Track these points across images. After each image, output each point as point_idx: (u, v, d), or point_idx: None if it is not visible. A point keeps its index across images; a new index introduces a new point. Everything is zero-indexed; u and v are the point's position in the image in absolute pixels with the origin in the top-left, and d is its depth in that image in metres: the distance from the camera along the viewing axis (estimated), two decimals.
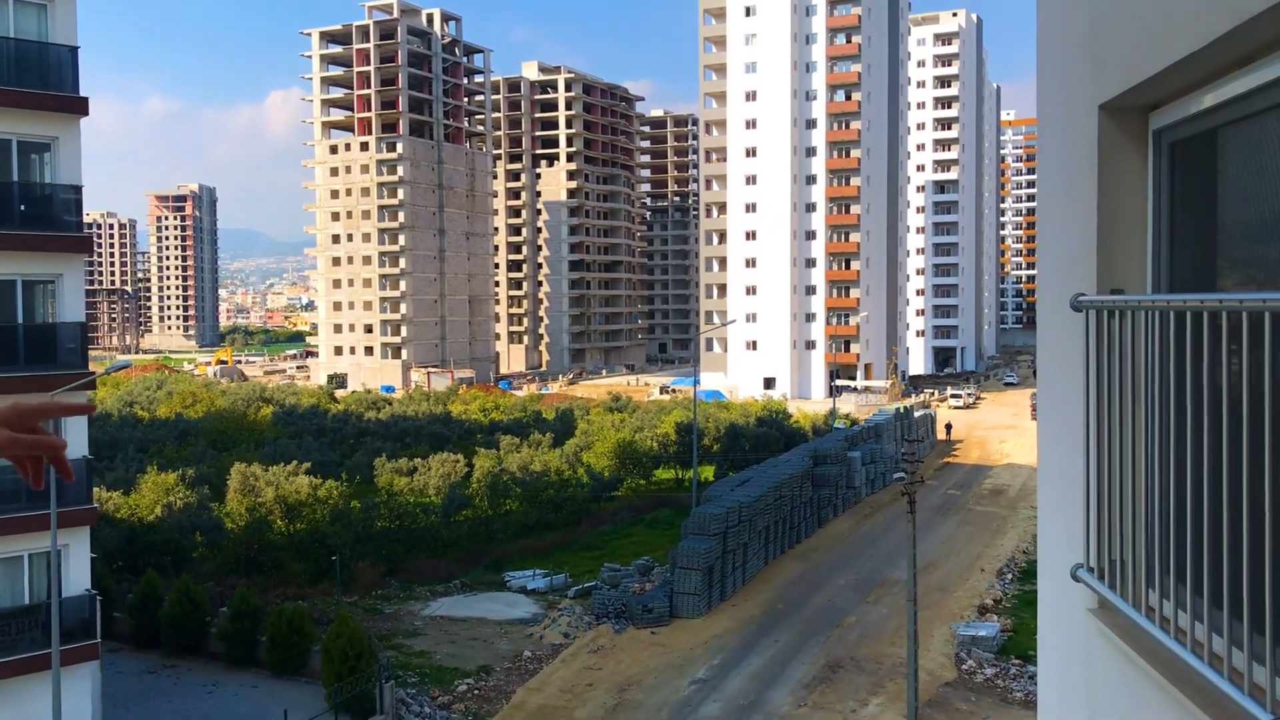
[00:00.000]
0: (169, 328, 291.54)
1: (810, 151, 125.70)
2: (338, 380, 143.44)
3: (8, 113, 23.74)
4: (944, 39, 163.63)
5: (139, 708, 32.56)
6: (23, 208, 24.27)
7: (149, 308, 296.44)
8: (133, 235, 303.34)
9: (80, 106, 24.64)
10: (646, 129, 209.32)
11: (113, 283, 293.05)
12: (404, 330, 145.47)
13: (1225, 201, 3.12)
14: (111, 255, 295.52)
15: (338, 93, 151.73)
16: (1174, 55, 3.03)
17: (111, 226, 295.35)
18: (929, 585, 43.01)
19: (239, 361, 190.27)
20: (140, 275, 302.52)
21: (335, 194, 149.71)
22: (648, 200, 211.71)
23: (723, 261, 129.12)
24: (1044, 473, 4.27)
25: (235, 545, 46.72)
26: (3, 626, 23.97)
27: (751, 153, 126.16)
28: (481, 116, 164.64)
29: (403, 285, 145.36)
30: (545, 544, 54.15)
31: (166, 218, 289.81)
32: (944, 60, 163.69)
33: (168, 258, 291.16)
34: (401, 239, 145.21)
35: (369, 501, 53.53)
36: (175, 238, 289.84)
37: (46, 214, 24.59)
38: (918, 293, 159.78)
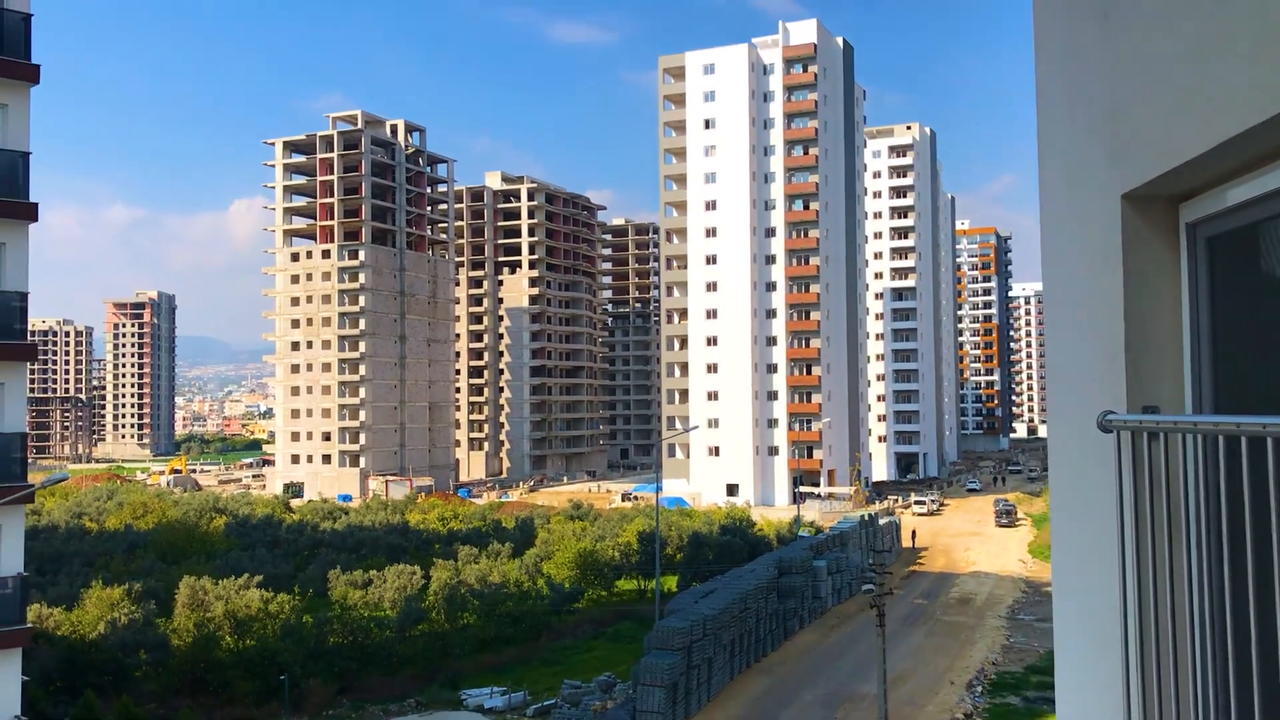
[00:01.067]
0: (123, 436, 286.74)
1: (770, 259, 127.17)
2: (294, 489, 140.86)
3: None
4: (899, 151, 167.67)
5: None
6: None
7: (103, 416, 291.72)
8: (89, 343, 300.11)
9: (29, 213, 24.11)
10: (608, 237, 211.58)
11: (66, 391, 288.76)
12: (363, 438, 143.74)
13: (1274, 305, 2.69)
14: (66, 363, 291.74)
15: (300, 201, 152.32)
16: (1212, 139, 2.62)
17: (67, 334, 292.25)
18: (899, 699, 41.94)
19: (193, 470, 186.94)
20: (95, 383, 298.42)
21: (296, 301, 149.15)
22: (609, 307, 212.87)
23: (684, 367, 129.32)
24: (1062, 613, 3.72)
25: (181, 664, 44.90)
26: None
27: (712, 260, 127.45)
28: (444, 224, 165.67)
29: (362, 392, 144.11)
30: (504, 659, 52.56)
31: (124, 325, 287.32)
32: (899, 171, 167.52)
33: (124, 365, 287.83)
34: (362, 346, 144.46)
35: (321, 616, 51.85)
36: (132, 345, 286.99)
37: None
38: (879, 398, 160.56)
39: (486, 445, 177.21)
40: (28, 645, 25.02)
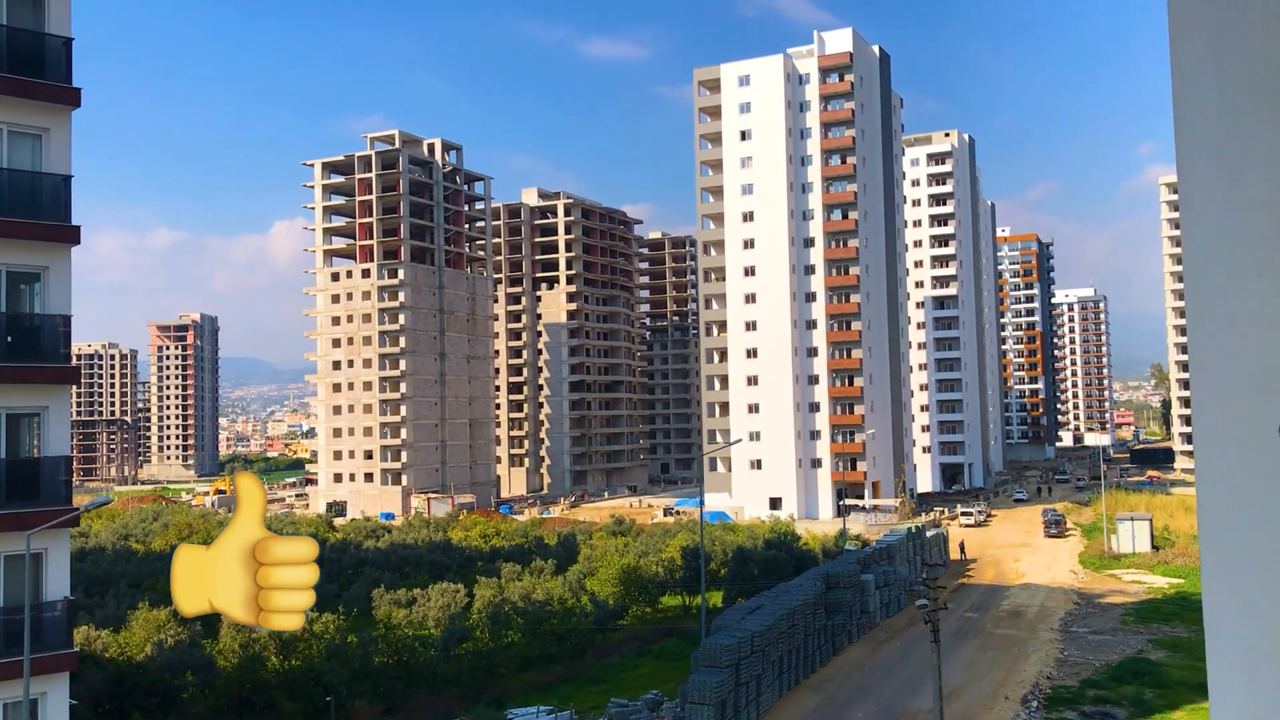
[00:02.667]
0: (168, 457, 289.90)
1: (809, 269, 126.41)
2: (337, 508, 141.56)
3: None
4: (937, 158, 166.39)
5: None
6: (9, 339, 23.56)
7: (148, 438, 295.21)
8: (133, 365, 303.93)
9: (72, 235, 24.13)
10: (645, 251, 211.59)
11: (112, 413, 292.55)
12: (404, 455, 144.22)
13: None
14: (111, 386, 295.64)
15: (340, 221, 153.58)
16: None
17: (112, 357, 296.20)
18: (952, 715, 41.08)
19: None
20: (140, 405, 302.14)
21: (336, 320, 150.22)
22: (647, 321, 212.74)
23: (724, 380, 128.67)
24: (1220, 621, 3.22)
25: (227, 685, 44.82)
26: None
27: (750, 271, 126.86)
28: (482, 242, 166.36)
29: (403, 410, 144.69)
30: (549, 677, 52.11)
31: (168, 347, 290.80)
32: (938, 179, 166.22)
33: (168, 387, 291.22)
34: (402, 364, 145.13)
35: (366, 635, 51.68)
36: (176, 367, 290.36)
37: (34, 345, 23.87)
38: (922, 409, 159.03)
39: (527, 461, 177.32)
40: (75, 668, 24.94)
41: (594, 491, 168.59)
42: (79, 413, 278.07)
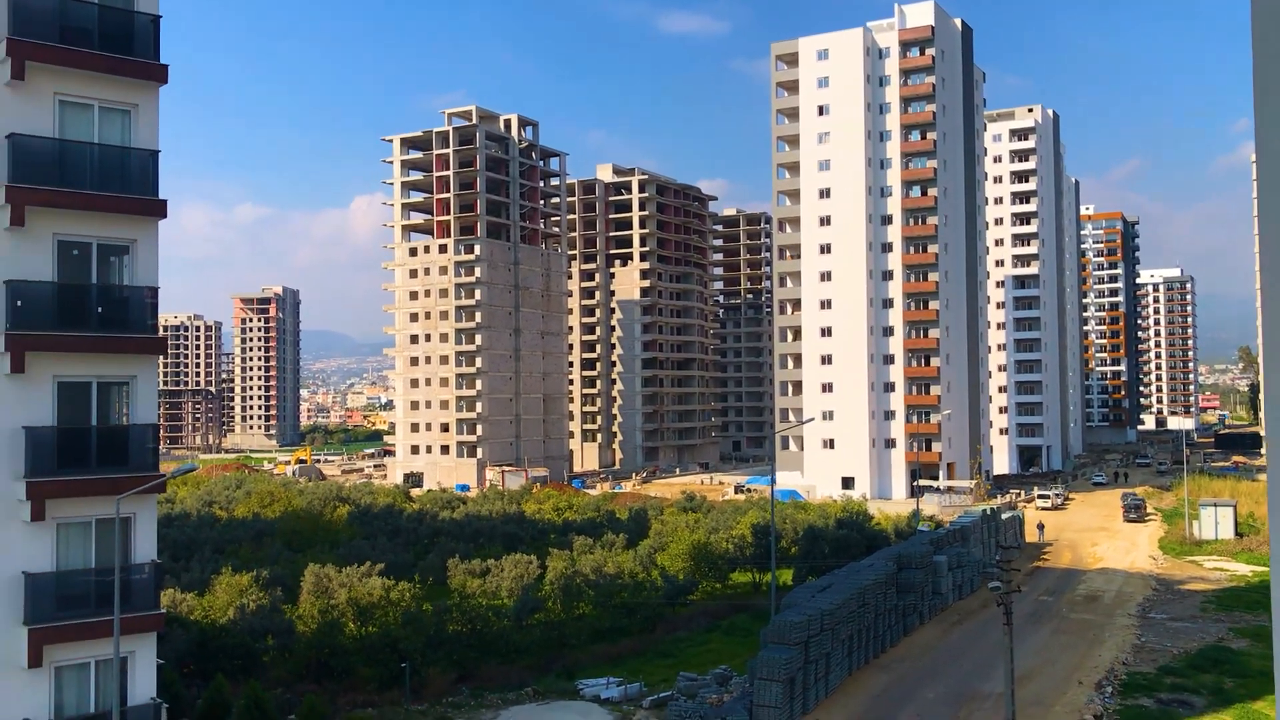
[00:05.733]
0: (251, 427, 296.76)
1: (886, 247, 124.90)
2: (414, 479, 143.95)
3: (89, 216, 23.95)
4: (1020, 134, 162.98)
5: None
6: (100, 310, 24.32)
7: (232, 407, 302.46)
8: (218, 337, 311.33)
9: (158, 209, 24.79)
10: (719, 227, 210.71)
11: (197, 383, 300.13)
12: (479, 429, 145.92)
13: None
14: (197, 357, 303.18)
15: (418, 197, 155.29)
16: None
17: (198, 329, 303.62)
18: (1025, 699, 40.64)
19: (318, 460, 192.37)
20: (224, 376, 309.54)
21: (414, 295, 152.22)
22: (721, 298, 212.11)
23: (797, 358, 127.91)
24: None
25: (306, 649, 45.97)
26: None
27: (826, 249, 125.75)
28: (557, 218, 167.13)
29: (478, 384, 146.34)
30: (619, 650, 52.54)
31: (251, 320, 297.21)
32: (1021, 155, 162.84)
33: (251, 359, 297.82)
34: (478, 338, 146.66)
35: (441, 604, 52.62)
36: (259, 339, 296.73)
37: (123, 316, 24.61)
38: (1000, 390, 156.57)
39: (599, 436, 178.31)
40: (161, 630, 25.80)
41: (665, 468, 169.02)
42: (166, 383, 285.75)
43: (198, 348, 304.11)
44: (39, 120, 23.47)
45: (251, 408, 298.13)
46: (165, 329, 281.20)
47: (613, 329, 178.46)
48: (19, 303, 22.88)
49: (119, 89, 24.58)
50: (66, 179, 23.65)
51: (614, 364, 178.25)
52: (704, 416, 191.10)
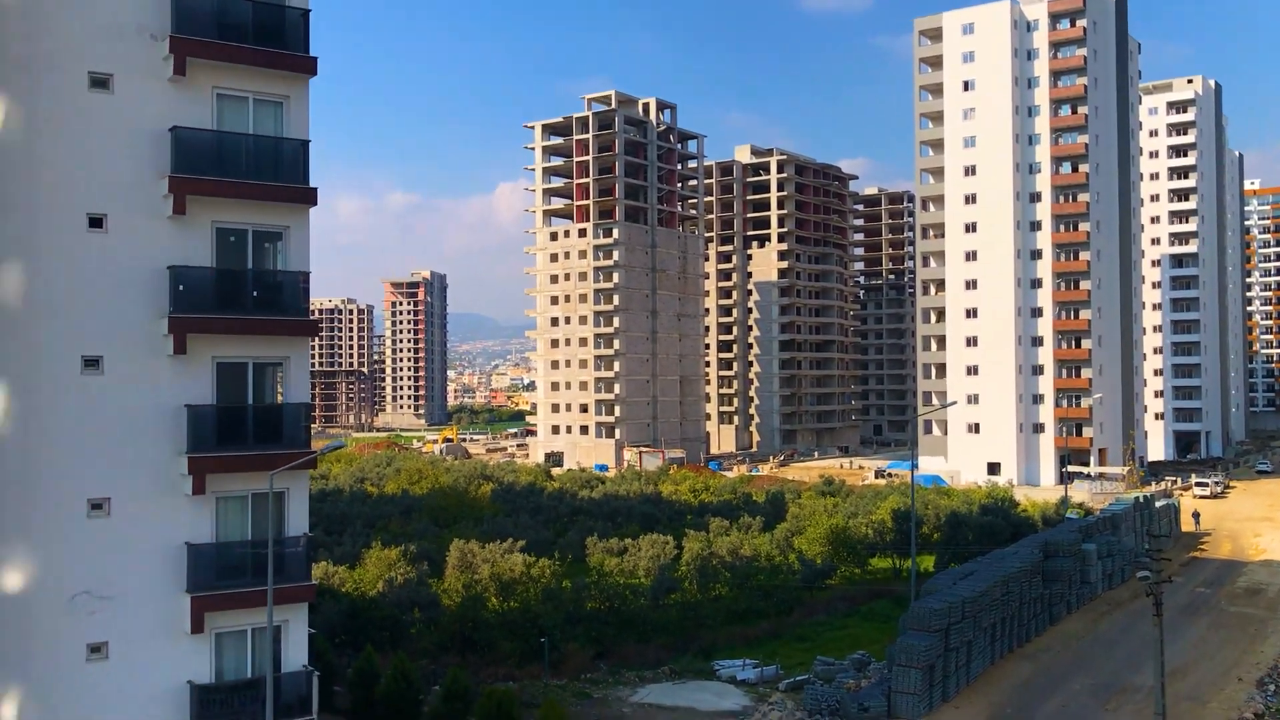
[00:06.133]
0: (401, 406, 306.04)
1: (1034, 226, 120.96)
2: (554, 458, 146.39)
3: (245, 204, 25.06)
4: (1178, 107, 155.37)
5: None
6: (255, 294, 25.45)
7: (383, 388, 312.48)
8: (370, 320, 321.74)
9: (310, 197, 25.76)
10: (860, 207, 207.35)
11: (351, 365, 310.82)
12: (617, 410, 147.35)
13: None
14: (350, 339, 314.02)
15: (558, 182, 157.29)
16: None
17: (351, 312, 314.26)
18: (1178, 694, 39.07)
19: (463, 439, 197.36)
20: (376, 357, 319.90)
21: (554, 279, 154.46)
22: (861, 279, 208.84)
23: (941, 340, 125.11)
24: None
25: (450, 622, 47.31)
26: (226, 700, 24.64)
27: (971, 228, 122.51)
28: (694, 200, 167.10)
29: (616, 366, 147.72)
30: (755, 632, 52.52)
31: (401, 303, 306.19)
32: (1179, 129, 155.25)
33: (401, 341, 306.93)
34: (616, 321, 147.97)
35: (580, 581, 53.50)
36: (408, 322, 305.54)
37: (277, 300, 25.69)
38: (1155, 373, 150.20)
39: (736, 419, 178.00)
40: (313, 600, 26.93)
41: (803, 451, 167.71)
42: (321, 364, 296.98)
43: (351, 330, 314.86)
44: (198, 114, 24.64)
45: (401, 388, 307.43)
46: (320, 312, 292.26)
47: (750, 311, 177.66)
48: (181, 287, 24.12)
49: (272, 82, 25.61)
50: (224, 169, 24.78)
51: (751, 346, 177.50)
52: (843, 399, 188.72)
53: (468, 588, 50.51)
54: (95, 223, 23.53)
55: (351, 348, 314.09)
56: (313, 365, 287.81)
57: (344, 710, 39.54)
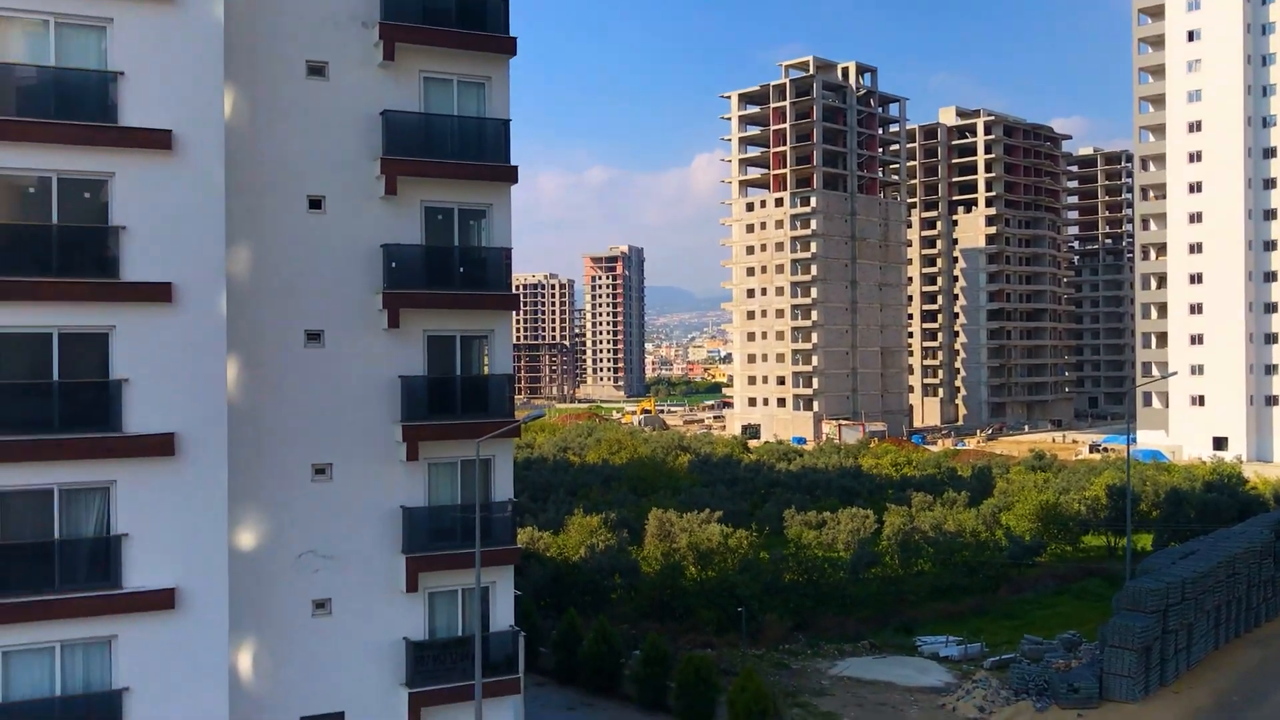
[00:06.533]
0: (601, 378, 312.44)
1: (1268, 184, 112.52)
2: (751, 430, 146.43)
3: (451, 184, 26.05)
4: None
5: None
6: (461, 269, 26.45)
7: (584, 360, 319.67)
8: (570, 294, 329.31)
9: (511, 175, 26.55)
10: (1074, 169, 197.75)
11: (553, 338, 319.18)
12: (815, 382, 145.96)
13: None
14: (552, 313, 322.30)
15: (755, 152, 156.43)
16: None
17: (552, 287, 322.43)
18: None
19: (661, 411, 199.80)
20: (576, 331, 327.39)
21: (750, 250, 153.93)
22: (1075, 244, 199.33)
23: (1162, 308, 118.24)
24: None
25: (649, 589, 48.16)
26: (439, 656, 25.91)
27: (1195, 188, 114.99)
28: (896, 166, 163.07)
29: (814, 337, 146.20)
30: (959, 609, 51.27)
31: (600, 277, 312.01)
32: None
33: (600, 314, 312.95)
34: (814, 292, 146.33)
35: (777, 553, 53.47)
36: (607, 296, 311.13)
37: (481, 275, 26.63)
38: None
39: (941, 391, 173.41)
40: (518, 563, 27.95)
41: (1012, 425, 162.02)
42: (525, 337, 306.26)
43: (553, 304, 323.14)
44: (406, 97, 25.73)
45: (601, 360, 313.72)
46: (523, 287, 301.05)
47: (955, 279, 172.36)
48: (394, 264, 25.33)
49: (474, 63, 26.46)
50: (431, 150, 25.81)
51: (956, 315, 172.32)
52: (1056, 371, 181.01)
53: (666, 556, 51.26)
54: (314, 204, 24.94)
55: (553, 321, 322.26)
56: (517, 339, 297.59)
57: (548, 670, 40.94)
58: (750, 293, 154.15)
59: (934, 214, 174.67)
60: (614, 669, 38.78)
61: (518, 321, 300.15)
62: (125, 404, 21.29)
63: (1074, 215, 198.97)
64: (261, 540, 24.39)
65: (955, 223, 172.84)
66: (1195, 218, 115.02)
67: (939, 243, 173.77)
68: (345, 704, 25.07)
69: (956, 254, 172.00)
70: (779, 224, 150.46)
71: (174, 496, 21.64)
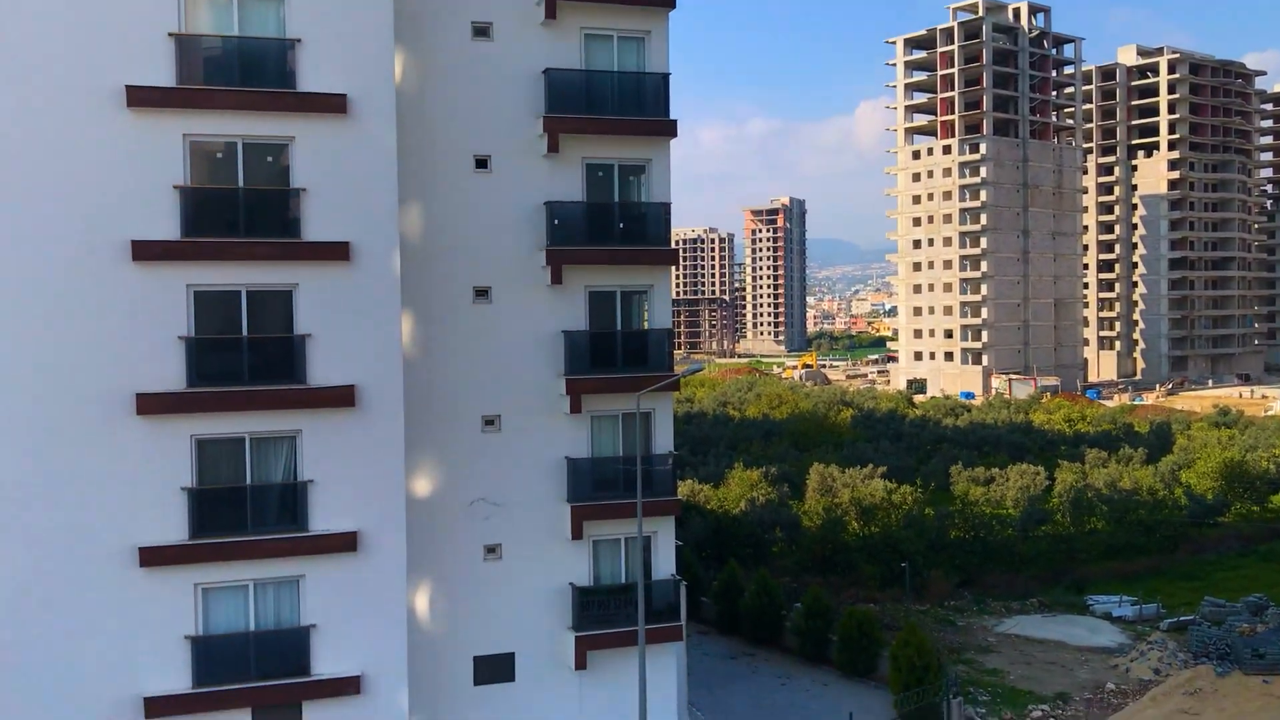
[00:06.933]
0: (761, 333, 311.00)
1: None
2: (916, 385, 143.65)
3: (611, 140, 26.32)
4: None
5: (720, 689, 34.65)
6: (621, 225, 26.77)
7: (744, 315, 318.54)
8: (730, 248, 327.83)
9: (670, 129, 26.65)
10: (1269, 107, 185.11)
11: (712, 292, 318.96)
12: (984, 335, 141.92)
13: None
14: (712, 267, 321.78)
15: (921, 98, 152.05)
16: None
17: (712, 241, 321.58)
18: None
19: (823, 366, 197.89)
20: (737, 285, 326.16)
21: (917, 199, 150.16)
22: (1268, 188, 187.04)
23: None
24: None
25: (811, 543, 48.16)
26: (603, 601, 26.64)
27: None
28: (1071, 110, 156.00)
29: (984, 289, 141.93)
30: (1133, 569, 49.54)
31: (760, 230, 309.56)
32: None
33: (761, 268, 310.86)
34: (983, 242, 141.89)
35: (943, 510, 52.64)
36: (768, 249, 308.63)
37: (641, 230, 26.87)
38: None
39: (1118, 345, 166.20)
40: (679, 514, 28.36)
41: (1195, 379, 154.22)
42: (684, 292, 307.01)
43: (712, 259, 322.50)
44: (567, 55, 26.05)
45: (761, 315, 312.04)
46: (682, 242, 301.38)
47: (1134, 227, 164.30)
48: (556, 221, 25.83)
49: (634, 18, 26.56)
50: (592, 106, 26.09)
51: (1135, 265, 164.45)
52: (1245, 323, 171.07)
53: (828, 511, 51.08)
54: (480, 163, 25.60)
55: (713, 276, 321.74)
56: (676, 294, 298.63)
57: (710, 620, 41.54)
58: (916, 244, 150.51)
59: (1111, 159, 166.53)
60: (775, 621, 39.09)
61: (677, 276, 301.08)
62: (309, 358, 22.48)
63: (1268, 157, 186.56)
64: (435, 488, 25.47)
65: (1134, 168, 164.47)
66: None
67: (1117, 189, 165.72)
68: (515, 645, 26.10)
69: (1135, 200, 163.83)
70: (947, 172, 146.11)
71: (355, 445, 22.81)
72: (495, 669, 26.02)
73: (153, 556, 21.51)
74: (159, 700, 21.63)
